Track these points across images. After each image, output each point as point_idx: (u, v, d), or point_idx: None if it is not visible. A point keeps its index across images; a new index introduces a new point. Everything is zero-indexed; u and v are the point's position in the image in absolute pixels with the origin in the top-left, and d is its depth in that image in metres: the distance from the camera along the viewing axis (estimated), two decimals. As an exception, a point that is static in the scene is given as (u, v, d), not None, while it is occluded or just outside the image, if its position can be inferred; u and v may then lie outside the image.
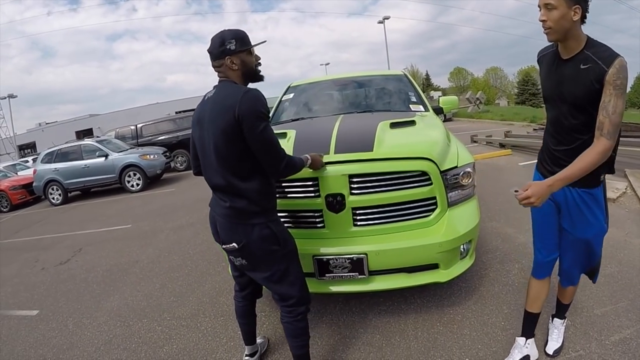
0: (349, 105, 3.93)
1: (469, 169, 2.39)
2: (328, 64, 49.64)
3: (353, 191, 2.20)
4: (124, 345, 2.81)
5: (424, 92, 4.47)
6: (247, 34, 1.82)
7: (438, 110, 3.94)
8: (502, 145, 8.86)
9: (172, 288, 3.64)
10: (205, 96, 1.83)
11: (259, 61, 1.88)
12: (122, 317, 3.25)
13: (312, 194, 2.23)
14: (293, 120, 3.54)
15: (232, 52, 1.75)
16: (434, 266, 2.28)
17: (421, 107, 3.62)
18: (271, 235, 1.80)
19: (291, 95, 4.21)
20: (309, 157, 2.05)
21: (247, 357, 2.29)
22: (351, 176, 2.18)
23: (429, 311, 2.58)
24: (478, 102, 23.10)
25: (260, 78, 1.90)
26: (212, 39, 1.77)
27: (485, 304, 2.57)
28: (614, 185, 4.68)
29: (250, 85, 1.83)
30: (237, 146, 1.68)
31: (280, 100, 4.21)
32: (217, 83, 1.83)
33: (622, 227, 3.58)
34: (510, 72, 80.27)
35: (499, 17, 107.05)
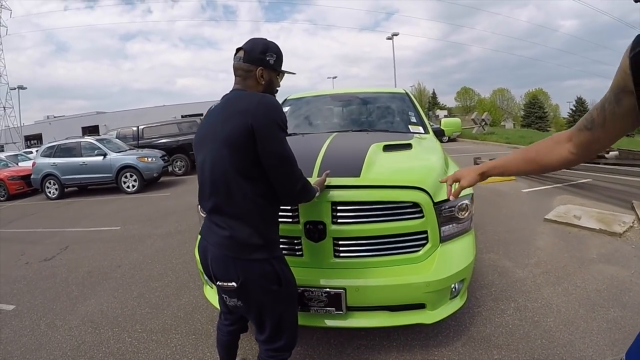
0: (344, 123, 3.77)
1: (466, 202, 2.20)
2: (335, 77, 50.07)
3: (335, 220, 2.02)
4: (90, 353, 2.72)
5: (429, 110, 4.33)
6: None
7: (439, 133, 3.77)
8: (506, 170, 8.66)
9: (149, 298, 3.51)
10: (209, 109, 1.66)
11: (278, 89, 1.77)
12: (95, 323, 3.15)
13: (290, 220, 2.05)
14: (287, 135, 3.36)
15: (268, 66, 1.63)
16: (420, 306, 2.08)
17: (421, 129, 3.44)
18: (272, 273, 1.56)
19: (286, 109, 4.06)
20: (318, 188, 1.85)
21: None
22: (334, 203, 1.99)
23: (412, 350, 2.38)
24: (483, 123, 22.86)
25: None
26: (255, 41, 1.63)
27: (475, 347, 2.37)
28: (620, 219, 4.48)
29: None
30: (245, 158, 1.47)
31: None
32: (227, 93, 1.65)
33: (627, 266, 3.37)
34: (518, 94, 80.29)
35: (509, 38, 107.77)
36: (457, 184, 1.44)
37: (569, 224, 4.52)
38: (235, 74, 1.65)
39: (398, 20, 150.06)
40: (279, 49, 1.68)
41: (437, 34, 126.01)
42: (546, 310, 2.73)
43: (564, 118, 56.79)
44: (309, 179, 1.97)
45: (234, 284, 1.52)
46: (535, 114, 50.98)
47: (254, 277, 1.53)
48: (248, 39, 1.66)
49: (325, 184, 1.99)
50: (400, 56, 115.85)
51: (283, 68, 1.73)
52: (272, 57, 1.63)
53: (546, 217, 4.80)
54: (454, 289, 2.15)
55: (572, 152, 1.07)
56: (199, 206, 2.04)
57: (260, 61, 1.61)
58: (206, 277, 2.38)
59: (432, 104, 59.13)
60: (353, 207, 2.01)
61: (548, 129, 46.79)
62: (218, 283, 1.58)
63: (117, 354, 2.66)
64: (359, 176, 2.05)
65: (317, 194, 1.84)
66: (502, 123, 52.49)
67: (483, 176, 1.37)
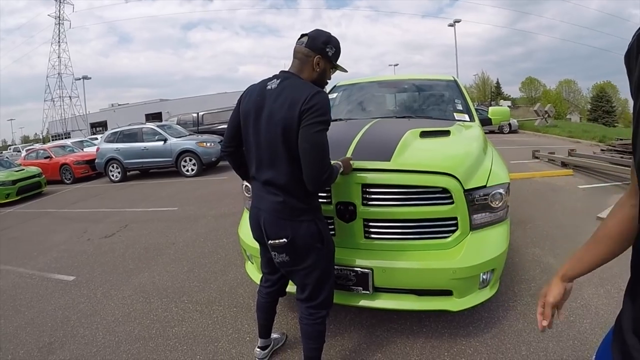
0: (389, 110, 3.81)
1: (500, 190, 2.15)
2: (397, 64, 48.39)
3: (365, 202, 2.08)
4: (139, 319, 2.99)
5: (492, 100, 4.21)
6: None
7: (485, 122, 3.67)
8: (564, 164, 8.17)
9: (198, 273, 3.77)
10: (266, 85, 1.77)
11: (328, 81, 1.92)
12: (146, 293, 3.44)
13: (324, 200, 2.14)
14: (332, 121, 3.44)
15: (326, 57, 1.78)
16: (447, 292, 2.09)
17: (466, 116, 3.37)
18: (317, 232, 1.79)
19: (334, 95, 4.14)
20: (341, 163, 1.95)
21: (258, 349, 2.29)
22: (364, 185, 2.06)
23: (440, 338, 2.39)
24: (546, 115, 21.54)
25: None
26: (319, 31, 1.80)
27: (503, 341, 2.32)
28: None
29: None
30: (295, 143, 1.65)
31: None
32: (278, 73, 1.81)
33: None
34: (585, 86, 74.21)
35: (578, 27, 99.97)
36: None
37: (622, 224, 4.20)
38: (294, 57, 1.81)
39: (462, 6, 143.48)
40: (339, 44, 1.83)
41: (503, 20, 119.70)
42: (584, 311, 2.60)
43: (633, 114, 52.03)
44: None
45: (284, 240, 1.75)
46: (603, 108, 47.03)
47: (301, 234, 1.75)
48: (309, 26, 1.83)
49: (357, 166, 2.07)
50: (465, 44, 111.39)
51: (338, 63, 1.88)
52: (331, 50, 1.78)
53: (599, 215, 4.49)
54: (483, 279, 2.13)
55: (633, 204, 0.88)
56: (244, 185, 2.45)
57: (320, 50, 1.76)
58: (248, 254, 2.57)
59: (496, 94, 56.46)
60: (382, 189, 2.07)
61: (615, 124, 42.87)
62: (270, 241, 1.81)
63: (164, 322, 2.91)
64: (389, 160, 2.09)
65: (340, 169, 1.92)
66: (568, 116, 49.14)
67: (565, 279, 1.11)
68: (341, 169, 1.94)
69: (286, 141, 1.65)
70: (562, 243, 3.82)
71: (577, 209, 5.08)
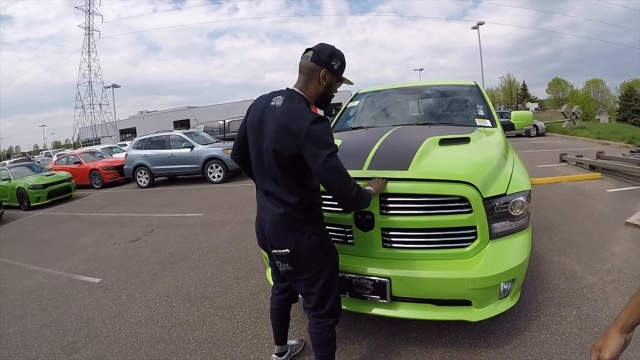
0: (409, 117, 3.80)
1: (520, 198, 2.11)
2: (422, 69, 48.51)
3: (383, 211, 2.08)
4: (161, 322, 3.07)
5: (519, 103, 4.13)
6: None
7: (509, 126, 3.62)
8: (592, 168, 7.92)
9: (221, 278, 3.83)
10: (271, 100, 1.77)
11: (334, 94, 1.90)
12: (169, 297, 3.52)
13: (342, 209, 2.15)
14: (353, 129, 3.52)
15: (332, 70, 1.78)
16: (465, 302, 2.06)
17: (488, 122, 3.34)
18: (319, 242, 1.80)
19: (356, 103, 4.17)
20: (372, 189, 1.94)
21: (275, 356, 2.32)
22: (382, 195, 2.06)
23: (459, 348, 2.36)
24: (574, 116, 20.89)
25: (326, 107, 1.92)
26: (324, 45, 1.79)
27: (524, 352, 2.26)
28: None
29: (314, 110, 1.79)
30: (290, 166, 1.69)
31: (345, 107, 4.19)
32: (284, 89, 1.80)
33: None
34: (613, 85, 71.38)
35: (603, 24, 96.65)
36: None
37: (652, 230, 4.05)
38: (300, 71, 1.81)
39: (486, 7, 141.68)
40: (344, 57, 1.82)
41: (528, 21, 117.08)
42: (609, 321, 2.44)
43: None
44: (358, 170, 2.10)
45: (287, 250, 1.77)
46: (632, 107, 45.15)
47: (303, 244, 1.77)
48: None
49: (375, 176, 2.08)
50: (490, 46, 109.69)
51: (343, 76, 1.87)
52: (336, 63, 1.78)
53: (628, 220, 4.34)
54: (504, 289, 2.09)
55: None
56: None
57: (326, 64, 1.76)
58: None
59: (522, 96, 55.26)
60: (400, 199, 2.07)
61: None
62: (273, 251, 1.83)
63: (185, 325, 2.98)
64: (407, 169, 2.09)
65: (372, 192, 1.91)
66: (597, 117, 47.55)
67: (625, 329, 0.98)
68: (373, 192, 1.92)
69: (280, 162, 1.69)
70: (588, 250, 3.71)
71: (605, 214, 4.92)
